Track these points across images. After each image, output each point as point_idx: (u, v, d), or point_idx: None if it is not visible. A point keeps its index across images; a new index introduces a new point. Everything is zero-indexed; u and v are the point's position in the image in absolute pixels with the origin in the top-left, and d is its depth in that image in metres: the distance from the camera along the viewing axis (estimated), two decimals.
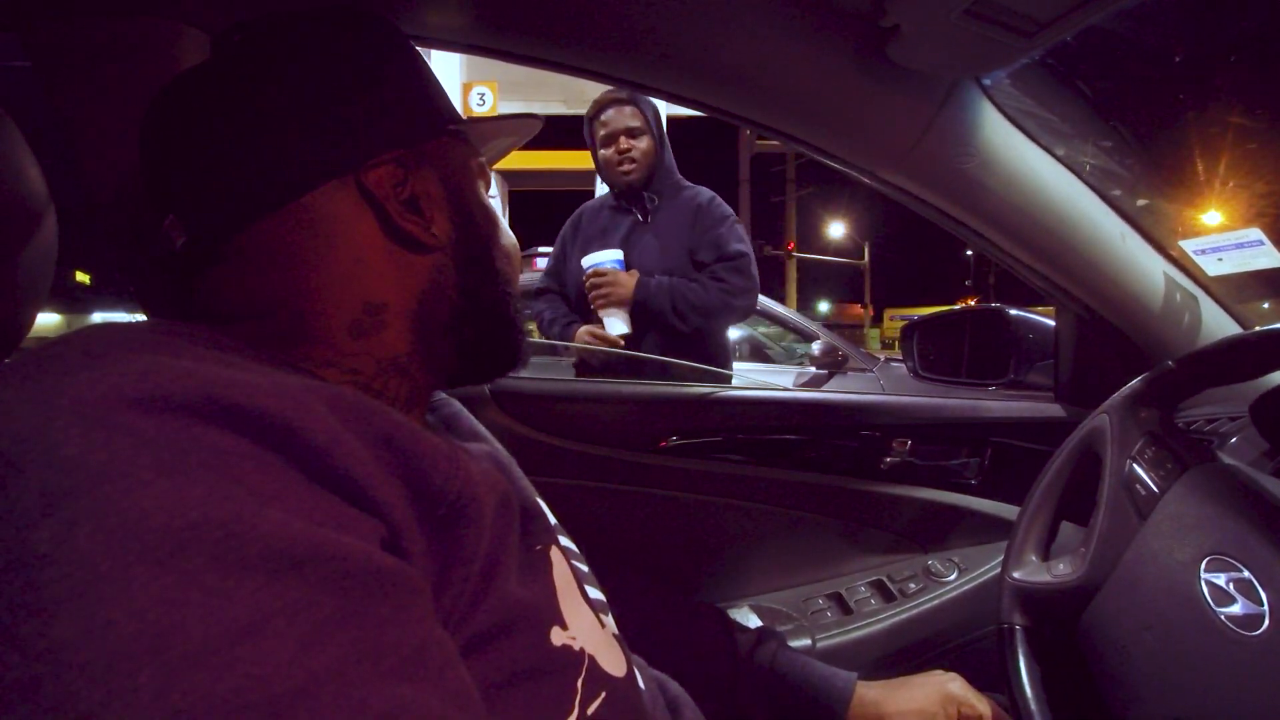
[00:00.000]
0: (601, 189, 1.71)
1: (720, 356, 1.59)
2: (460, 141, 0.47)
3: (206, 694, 0.20)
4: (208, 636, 0.21)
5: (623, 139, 1.54)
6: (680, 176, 1.63)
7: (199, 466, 0.24)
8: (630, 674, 0.46)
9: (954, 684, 0.64)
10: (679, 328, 1.48)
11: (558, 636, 0.39)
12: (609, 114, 1.55)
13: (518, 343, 0.49)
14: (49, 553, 0.21)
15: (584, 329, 1.54)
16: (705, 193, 1.61)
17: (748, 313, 1.56)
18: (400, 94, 0.43)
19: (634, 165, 1.55)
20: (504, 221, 0.49)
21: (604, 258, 1.49)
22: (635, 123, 1.54)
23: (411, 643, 0.25)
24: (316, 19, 0.42)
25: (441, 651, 0.27)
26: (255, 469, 0.25)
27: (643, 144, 1.55)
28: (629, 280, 1.47)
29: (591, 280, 1.49)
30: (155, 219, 0.41)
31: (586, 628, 0.42)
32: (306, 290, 0.39)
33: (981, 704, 0.62)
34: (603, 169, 1.60)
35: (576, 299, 1.61)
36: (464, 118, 0.48)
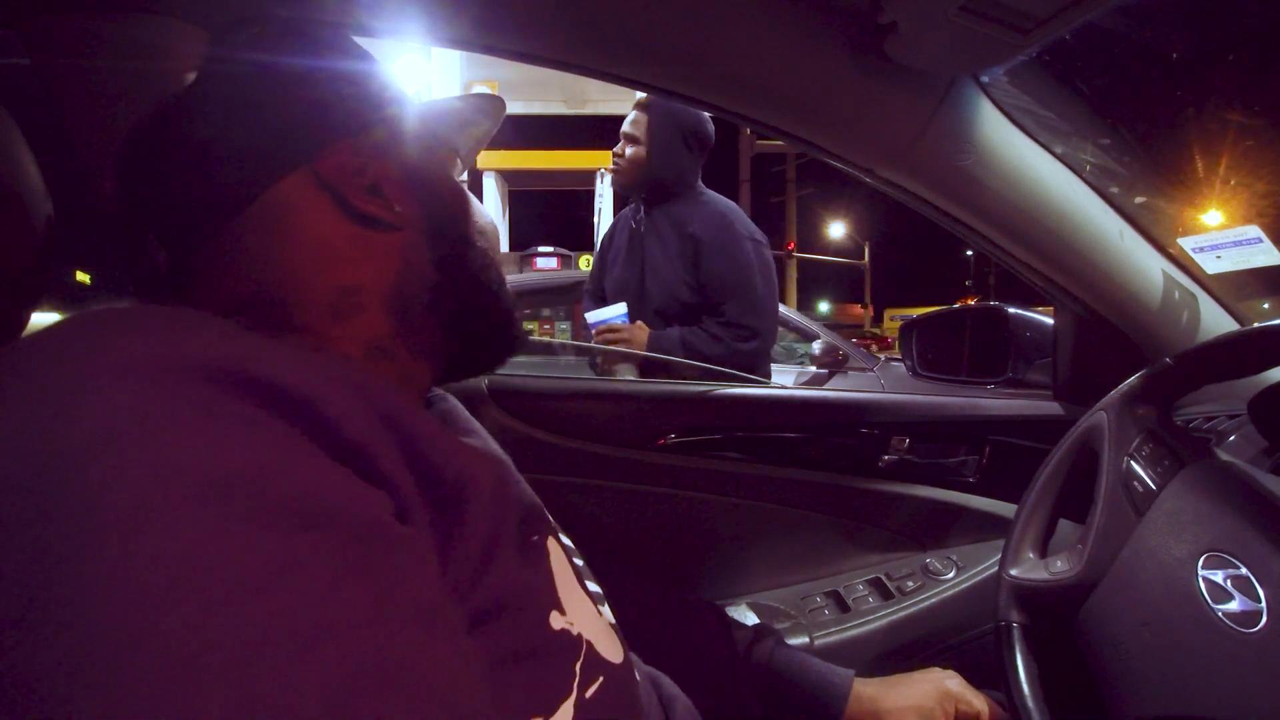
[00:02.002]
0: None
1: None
2: (421, 127, 0.48)
3: (242, 627, 0.21)
4: (244, 574, 0.22)
5: (620, 143, 1.60)
6: (700, 186, 1.60)
7: (233, 424, 0.25)
8: (627, 662, 0.46)
9: (951, 680, 0.64)
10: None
11: (556, 620, 0.39)
12: (627, 118, 1.61)
13: (507, 319, 0.49)
14: (102, 484, 0.22)
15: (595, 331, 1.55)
16: (718, 210, 1.54)
17: (764, 352, 1.52)
18: (351, 85, 0.44)
19: (615, 170, 1.62)
20: (477, 202, 0.50)
21: (609, 314, 1.50)
22: (634, 130, 1.58)
23: (428, 598, 0.27)
24: (264, 26, 0.44)
25: (450, 611, 0.28)
26: (280, 434, 0.27)
27: (630, 151, 1.58)
28: (640, 335, 1.48)
29: (602, 336, 1.49)
30: (138, 241, 0.42)
31: (584, 615, 0.43)
32: (280, 282, 0.40)
33: (978, 700, 0.63)
34: None
35: (611, 297, 1.66)
36: (421, 105, 0.49)
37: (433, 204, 0.45)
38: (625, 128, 1.60)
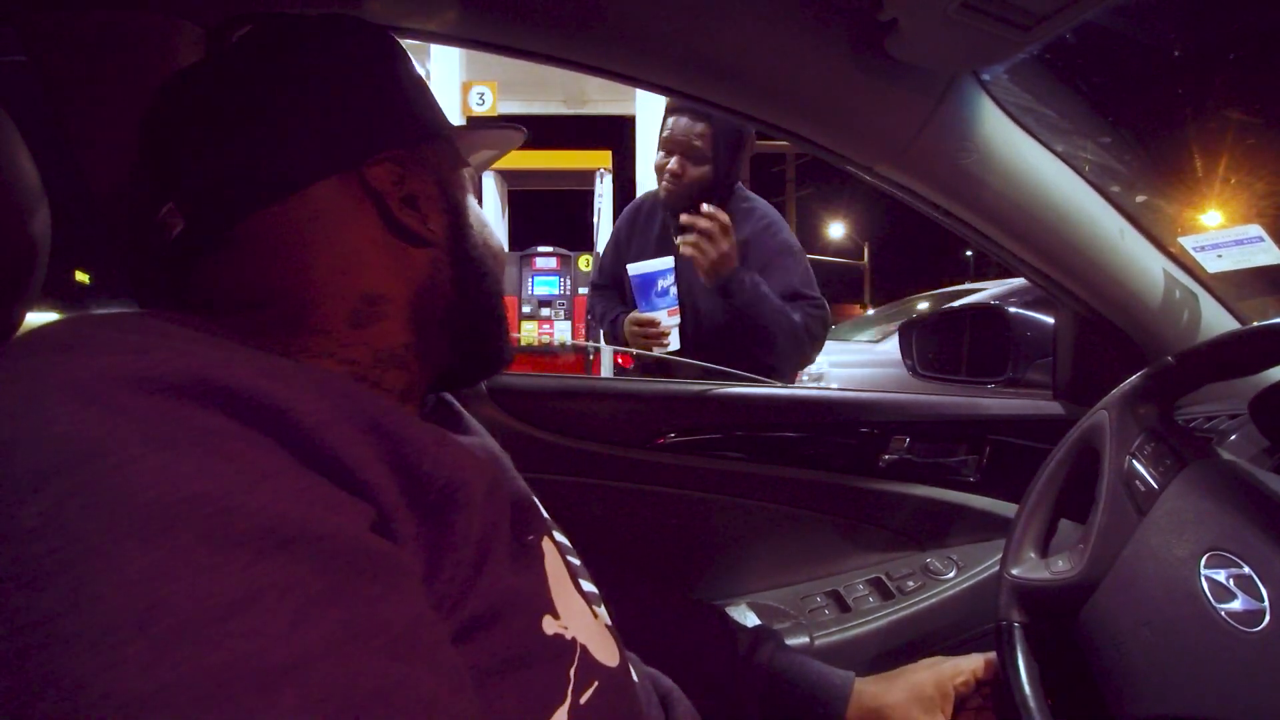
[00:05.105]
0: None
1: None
2: (452, 147, 0.49)
3: (195, 668, 0.20)
4: (197, 611, 0.21)
5: (677, 158, 1.40)
6: (744, 191, 1.48)
7: (190, 444, 0.24)
8: (623, 664, 0.46)
9: (943, 664, 0.65)
10: (738, 343, 1.35)
11: (550, 625, 0.39)
12: (679, 123, 1.40)
13: (502, 340, 0.50)
14: (39, 527, 0.21)
15: (630, 317, 1.43)
16: (764, 216, 1.44)
17: (804, 364, 1.45)
18: (401, 97, 0.45)
19: (672, 188, 1.41)
20: (490, 224, 0.51)
21: (658, 266, 1.36)
22: (699, 144, 1.38)
23: (401, 621, 0.25)
24: (323, 20, 0.44)
25: (431, 632, 0.27)
26: (246, 448, 0.25)
27: (696, 171, 1.39)
28: (731, 252, 1.28)
29: (641, 329, 1.37)
30: (152, 207, 0.41)
31: (579, 618, 0.43)
32: (308, 279, 0.39)
33: (969, 663, 0.64)
34: (655, 168, 1.48)
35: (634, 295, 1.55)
36: (453, 125, 0.50)
37: (457, 224, 0.46)
38: (689, 140, 1.38)
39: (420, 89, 0.47)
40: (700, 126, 1.38)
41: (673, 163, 1.40)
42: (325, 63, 0.42)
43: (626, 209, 1.66)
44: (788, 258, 1.43)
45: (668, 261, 1.37)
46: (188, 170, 0.40)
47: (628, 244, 1.60)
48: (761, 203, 1.50)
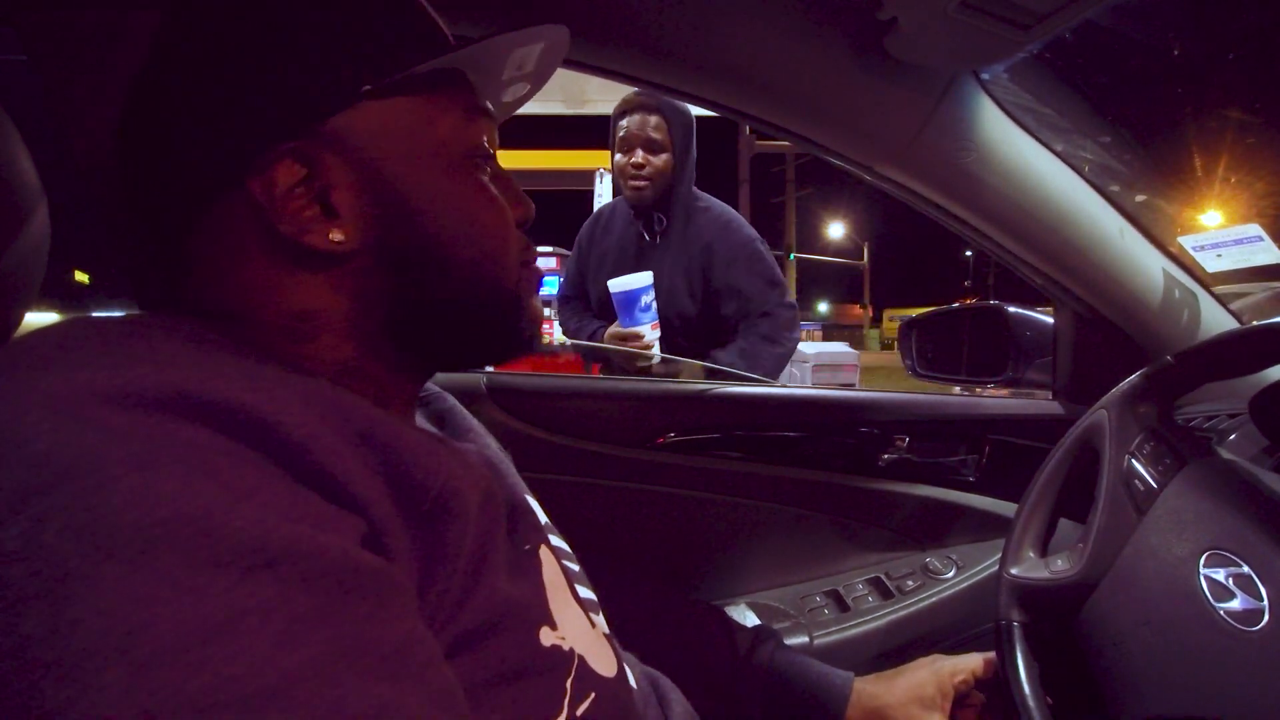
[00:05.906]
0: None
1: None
2: (402, 97, 0.37)
3: (176, 693, 0.20)
4: (178, 635, 0.20)
5: (640, 151, 1.44)
6: (696, 191, 1.52)
7: (171, 462, 0.23)
8: (621, 674, 0.45)
9: (941, 662, 0.65)
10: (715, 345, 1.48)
11: (547, 636, 0.38)
12: (633, 120, 1.45)
13: (508, 331, 0.43)
14: (17, 550, 0.21)
15: (612, 331, 1.46)
16: (721, 215, 1.50)
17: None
18: (288, 69, 0.35)
19: (646, 184, 1.45)
20: (489, 187, 0.41)
21: (636, 282, 1.37)
22: (657, 135, 1.43)
23: (391, 641, 0.25)
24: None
25: (424, 650, 0.26)
26: (229, 465, 0.24)
27: (659, 161, 1.44)
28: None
29: (621, 340, 1.41)
30: (132, 225, 0.40)
31: (576, 628, 0.42)
32: (239, 298, 0.36)
33: (968, 663, 0.64)
34: (615, 174, 1.52)
35: (598, 306, 1.58)
36: (445, 44, 0.39)
37: (397, 218, 0.37)
38: (646, 133, 1.43)
39: (336, 36, 0.36)
40: (654, 119, 1.44)
41: (636, 155, 1.45)
42: (195, 55, 0.35)
43: (587, 221, 1.71)
44: (753, 252, 1.49)
45: (647, 277, 1.40)
46: (133, 188, 0.38)
47: (588, 253, 1.65)
48: (715, 201, 1.55)
